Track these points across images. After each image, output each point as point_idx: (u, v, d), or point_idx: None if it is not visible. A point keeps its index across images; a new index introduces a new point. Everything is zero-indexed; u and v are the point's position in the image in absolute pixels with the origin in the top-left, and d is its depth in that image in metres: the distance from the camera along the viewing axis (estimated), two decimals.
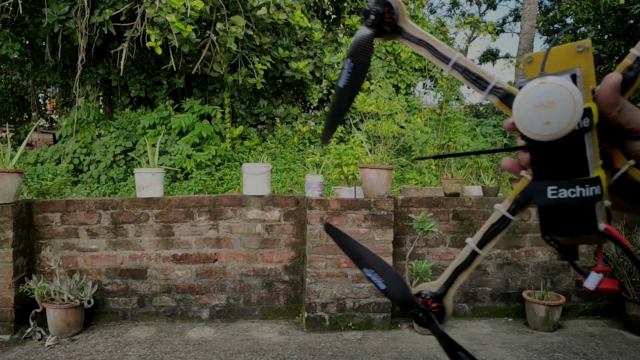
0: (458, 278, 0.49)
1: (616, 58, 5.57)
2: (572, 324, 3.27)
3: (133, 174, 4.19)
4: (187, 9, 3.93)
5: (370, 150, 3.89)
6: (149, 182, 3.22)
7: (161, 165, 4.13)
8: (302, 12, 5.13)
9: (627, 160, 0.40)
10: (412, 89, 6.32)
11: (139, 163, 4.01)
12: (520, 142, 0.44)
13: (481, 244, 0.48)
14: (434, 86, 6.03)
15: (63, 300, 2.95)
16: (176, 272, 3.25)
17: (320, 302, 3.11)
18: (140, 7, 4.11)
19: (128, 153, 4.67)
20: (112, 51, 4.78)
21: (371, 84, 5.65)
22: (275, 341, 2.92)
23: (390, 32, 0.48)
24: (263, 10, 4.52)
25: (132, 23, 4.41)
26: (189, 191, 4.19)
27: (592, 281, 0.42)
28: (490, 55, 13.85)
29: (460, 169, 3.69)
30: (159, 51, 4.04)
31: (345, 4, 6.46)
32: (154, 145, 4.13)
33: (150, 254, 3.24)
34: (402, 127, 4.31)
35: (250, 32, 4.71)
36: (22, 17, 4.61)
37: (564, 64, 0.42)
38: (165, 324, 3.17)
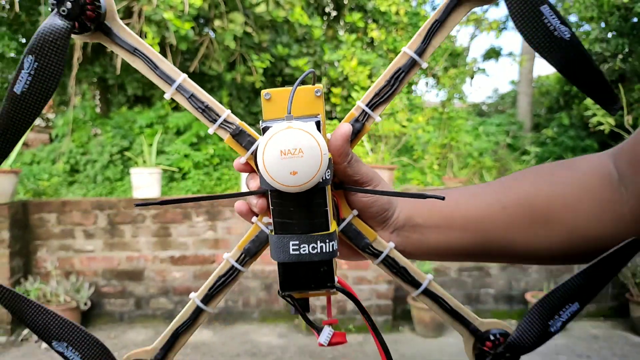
0: (179, 340, 0.44)
1: (620, 57, 5.52)
2: (576, 326, 3.23)
3: (130, 174, 4.15)
4: (184, 6, 3.87)
5: (371, 150, 3.84)
6: (145, 182, 3.17)
7: (158, 164, 4.08)
8: (302, 9, 5.07)
9: (351, 211, 0.42)
10: (413, 87, 6.27)
11: (136, 163, 3.97)
12: (253, 185, 0.41)
13: (207, 299, 0.44)
14: (436, 84, 5.99)
15: (59, 302, 2.91)
16: (173, 273, 3.21)
17: (320, 305, 3.07)
18: (137, 3, 4.06)
19: (124, 152, 4.62)
20: (108, 49, 4.73)
21: (372, 82, 5.60)
22: (275, 344, 2.88)
23: (94, 32, 0.39)
24: (262, 7, 4.46)
25: (129, 20, 4.35)
26: (186, 191, 4.15)
27: (325, 337, 0.42)
28: (493, 53, 13.80)
29: (463, 169, 3.64)
30: (157, 49, 3.99)
31: (345, 1, 6.40)
32: (150, 145, 4.08)
33: (147, 255, 3.19)
34: (404, 126, 4.26)
35: (249, 30, 4.65)
36: (18, 15, 4.56)
37: (304, 108, 0.39)
38: (163, 327, 3.13)
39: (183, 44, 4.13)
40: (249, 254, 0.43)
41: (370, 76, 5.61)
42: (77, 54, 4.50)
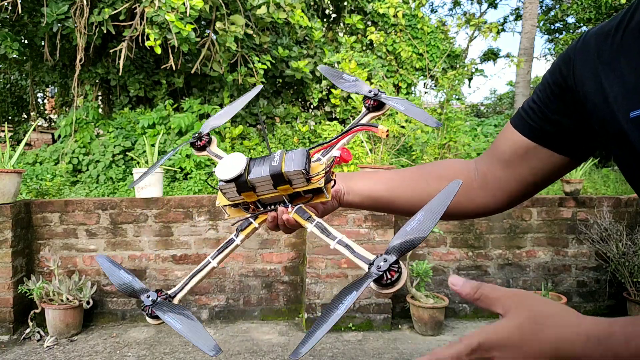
0: (191, 281, 0.61)
1: None
2: None
3: (132, 174, 4.17)
4: (186, 8, 3.91)
5: (370, 150, 3.87)
6: (148, 182, 3.21)
7: (160, 165, 4.11)
8: (302, 11, 5.11)
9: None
10: (412, 88, 6.30)
11: (138, 163, 4.00)
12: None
13: (214, 255, 0.62)
14: (435, 85, 6.02)
15: (62, 300, 2.93)
16: (175, 272, 3.24)
17: (320, 303, 3.10)
18: (139, 6, 4.10)
19: (127, 153, 4.65)
20: (111, 50, 4.76)
21: (371, 83, 5.64)
22: (275, 342, 2.90)
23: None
24: (263, 10, 4.50)
25: (131, 22, 4.39)
26: (188, 191, 4.18)
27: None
28: (491, 55, 13.85)
29: None
30: (158, 50, 4.03)
31: (345, 3, 6.44)
32: (153, 145, 4.12)
33: (150, 254, 3.22)
34: (403, 127, 4.29)
35: (250, 32, 4.69)
36: (21, 16, 4.59)
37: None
38: (164, 325, 3.15)
39: (185, 46, 4.16)
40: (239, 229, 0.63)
41: (369, 77, 5.65)
42: (80, 56, 4.53)
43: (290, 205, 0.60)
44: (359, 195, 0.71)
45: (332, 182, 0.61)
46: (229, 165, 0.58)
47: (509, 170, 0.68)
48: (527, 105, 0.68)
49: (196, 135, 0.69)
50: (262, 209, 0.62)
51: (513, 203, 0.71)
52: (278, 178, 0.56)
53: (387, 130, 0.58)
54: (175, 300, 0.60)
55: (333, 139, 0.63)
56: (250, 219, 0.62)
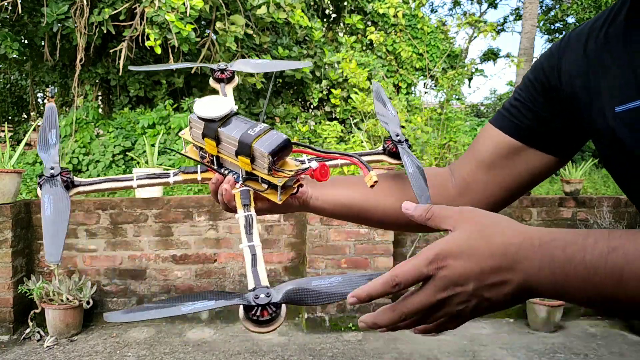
0: (103, 184, 0.60)
1: None
2: (574, 325, 3.26)
3: (132, 174, 4.16)
4: (186, 8, 3.91)
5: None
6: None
7: (160, 165, 4.12)
8: (302, 11, 5.11)
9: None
10: (412, 88, 6.30)
11: (138, 163, 4.00)
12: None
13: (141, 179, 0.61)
14: (435, 85, 6.02)
15: (62, 300, 2.93)
16: (175, 272, 3.24)
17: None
18: (139, 6, 4.10)
19: (127, 153, 4.65)
20: (111, 50, 4.76)
21: (371, 83, 5.63)
22: (275, 342, 2.90)
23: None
24: (263, 9, 4.50)
25: (131, 22, 4.39)
26: (188, 191, 4.17)
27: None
28: (491, 55, 13.85)
29: None
30: (158, 50, 4.03)
31: (345, 3, 6.44)
32: (153, 145, 4.12)
33: (150, 254, 3.22)
34: (402, 127, 4.30)
35: (250, 32, 4.69)
36: (21, 16, 4.59)
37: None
38: (165, 325, 3.16)
39: (185, 46, 4.17)
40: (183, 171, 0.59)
41: (369, 77, 5.65)
42: (80, 56, 4.53)
43: (240, 182, 0.55)
44: (329, 202, 0.66)
45: (295, 189, 0.57)
46: (213, 105, 0.54)
47: (492, 173, 0.66)
48: (509, 105, 0.66)
49: (222, 65, 0.64)
50: (216, 167, 0.58)
51: (496, 208, 0.68)
52: (244, 147, 0.52)
53: (376, 182, 0.53)
54: (75, 190, 0.57)
55: (328, 152, 0.58)
56: (197, 167, 0.59)
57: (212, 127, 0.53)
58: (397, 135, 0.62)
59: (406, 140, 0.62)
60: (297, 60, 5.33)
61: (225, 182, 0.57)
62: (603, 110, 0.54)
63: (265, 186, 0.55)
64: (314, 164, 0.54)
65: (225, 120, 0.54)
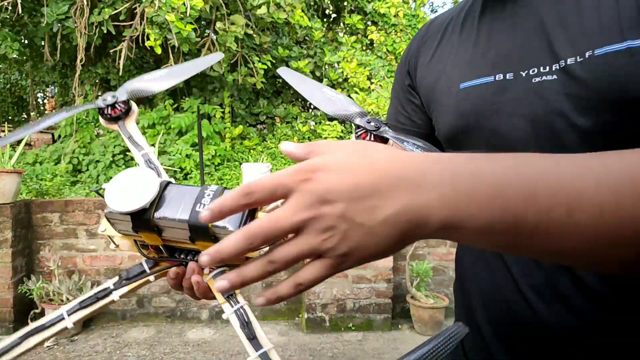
0: (29, 340, 0.45)
1: None
2: None
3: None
4: (186, 8, 3.91)
5: None
6: None
7: (160, 164, 4.11)
8: (302, 11, 5.11)
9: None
10: None
11: (138, 163, 3.99)
12: None
13: (72, 311, 0.47)
14: None
15: (62, 300, 2.93)
16: None
17: (320, 303, 3.10)
18: (139, 6, 4.10)
19: (127, 153, 4.65)
20: (111, 50, 4.76)
21: (372, 83, 5.64)
22: (275, 342, 2.91)
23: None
24: (263, 10, 4.50)
25: (131, 22, 4.39)
26: None
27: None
28: None
29: None
30: (159, 50, 4.03)
31: (345, 3, 6.44)
32: (153, 145, 4.12)
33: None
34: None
35: (250, 32, 4.69)
36: (21, 16, 4.59)
37: None
38: (165, 325, 3.16)
39: (185, 46, 4.17)
40: (126, 278, 0.45)
41: (369, 77, 5.65)
42: (80, 56, 4.54)
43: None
44: None
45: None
46: (132, 187, 0.39)
47: None
48: (394, 117, 0.68)
49: (110, 96, 0.49)
50: (166, 255, 0.44)
51: None
52: (199, 231, 0.39)
53: None
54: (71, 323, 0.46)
55: None
56: (146, 267, 0.44)
57: (144, 219, 0.39)
58: (369, 122, 0.48)
59: (381, 121, 0.49)
60: (296, 60, 5.33)
61: (188, 272, 0.45)
62: (450, 88, 0.57)
63: (244, 258, 0.41)
64: None
65: (156, 201, 0.40)
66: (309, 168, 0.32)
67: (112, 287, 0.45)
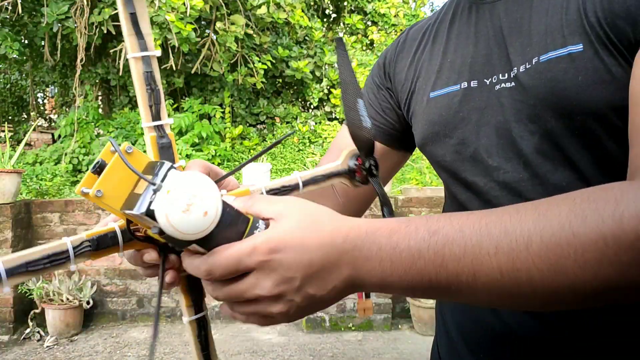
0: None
1: None
2: None
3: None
4: (186, 8, 3.91)
5: None
6: None
7: None
8: (302, 11, 5.12)
9: None
10: None
11: None
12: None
13: (13, 271, 0.35)
14: None
15: (62, 300, 2.93)
16: None
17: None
18: None
19: None
20: (111, 50, 4.76)
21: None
22: (275, 342, 2.91)
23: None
24: (263, 10, 4.50)
25: None
26: None
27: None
28: None
29: None
30: (158, 50, 4.03)
31: (345, 3, 6.45)
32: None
33: None
34: None
35: (250, 32, 4.69)
36: (21, 16, 4.59)
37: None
38: (165, 325, 3.16)
39: (185, 46, 4.17)
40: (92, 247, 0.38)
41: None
42: (80, 56, 4.54)
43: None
44: None
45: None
46: (198, 211, 0.35)
47: None
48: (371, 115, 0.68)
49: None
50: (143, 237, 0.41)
51: (363, 210, 0.68)
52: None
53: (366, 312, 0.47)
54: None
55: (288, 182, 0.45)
56: (120, 239, 0.41)
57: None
58: (371, 167, 0.48)
59: (376, 165, 0.47)
60: (296, 60, 5.33)
61: (170, 263, 0.44)
62: (422, 95, 0.58)
63: None
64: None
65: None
66: (267, 249, 0.35)
67: (71, 254, 0.37)
